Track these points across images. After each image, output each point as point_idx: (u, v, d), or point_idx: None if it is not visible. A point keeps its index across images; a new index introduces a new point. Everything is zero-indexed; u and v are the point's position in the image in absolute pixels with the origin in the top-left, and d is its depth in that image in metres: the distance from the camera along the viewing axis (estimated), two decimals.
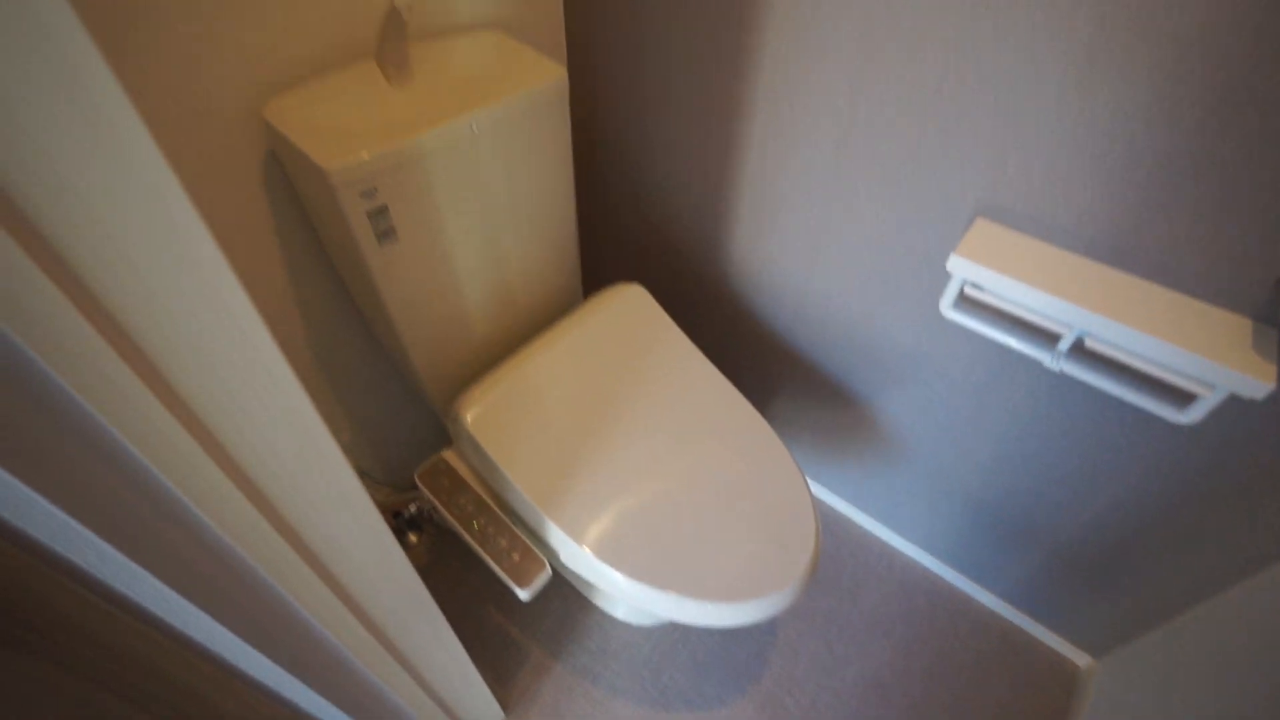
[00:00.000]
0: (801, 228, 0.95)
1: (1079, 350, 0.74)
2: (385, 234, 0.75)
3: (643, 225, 1.19)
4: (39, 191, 0.24)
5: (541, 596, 1.17)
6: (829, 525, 1.30)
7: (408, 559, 0.61)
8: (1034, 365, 0.83)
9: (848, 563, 1.25)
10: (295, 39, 0.74)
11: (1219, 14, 0.53)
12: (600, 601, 1.15)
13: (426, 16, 0.85)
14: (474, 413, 0.85)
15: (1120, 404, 0.78)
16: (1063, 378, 0.81)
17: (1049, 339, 0.75)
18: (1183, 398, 0.69)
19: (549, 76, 0.83)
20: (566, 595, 1.18)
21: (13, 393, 0.27)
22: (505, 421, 0.86)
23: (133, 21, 0.60)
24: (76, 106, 0.24)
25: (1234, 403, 0.68)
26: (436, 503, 0.88)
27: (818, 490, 1.33)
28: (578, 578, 1.15)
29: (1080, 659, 1.10)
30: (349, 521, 0.49)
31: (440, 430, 1.25)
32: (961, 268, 0.73)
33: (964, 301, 0.80)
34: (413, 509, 1.15)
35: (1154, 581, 0.91)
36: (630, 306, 1.01)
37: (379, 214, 0.73)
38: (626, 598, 0.78)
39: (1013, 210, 0.74)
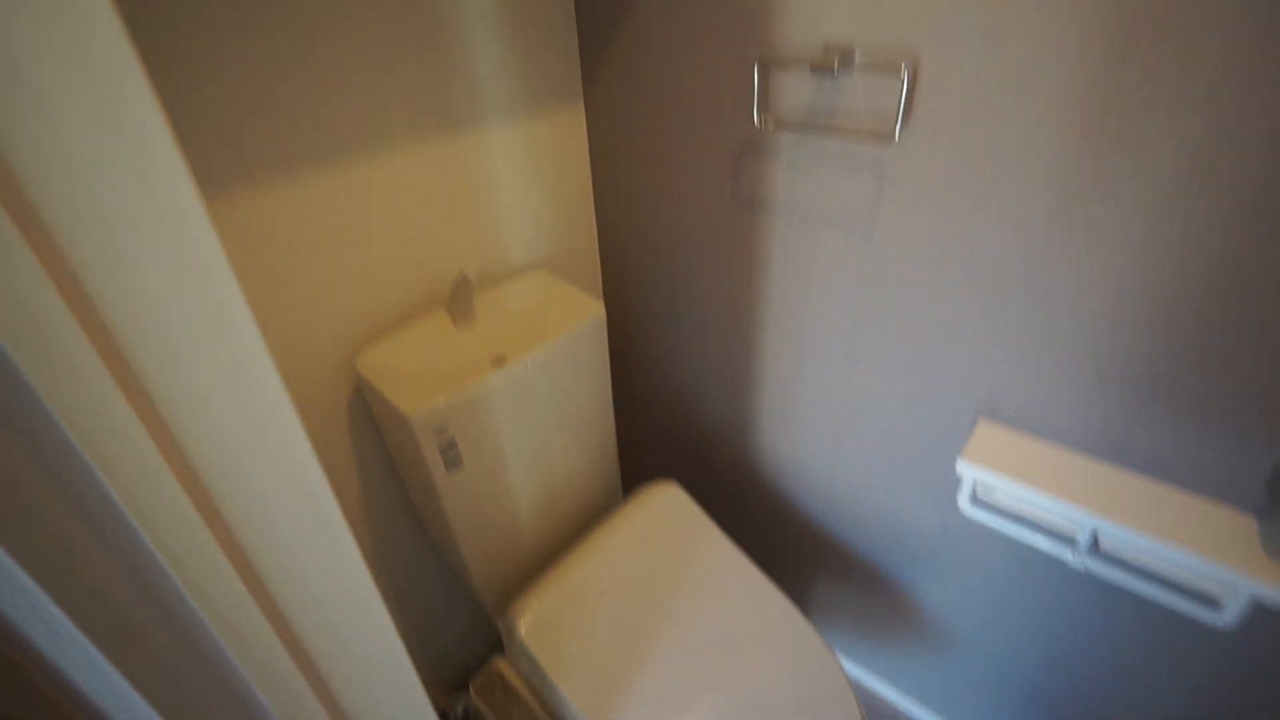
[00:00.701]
0: (822, 425, 1.04)
1: (1098, 550, 0.77)
2: (453, 462, 0.86)
3: (675, 423, 1.30)
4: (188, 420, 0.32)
5: None
6: (876, 714, 1.24)
7: None
8: (1062, 561, 0.85)
9: None
10: (382, 304, 0.91)
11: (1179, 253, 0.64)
12: None
13: (488, 267, 1.03)
14: (526, 622, 0.90)
15: (1159, 604, 0.79)
16: (1092, 575, 0.83)
17: (1067, 538, 0.79)
18: (1213, 600, 0.70)
19: (590, 313, 0.97)
20: None
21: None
22: (556, 631, 0.91)
23: (266, 290, 0.78)
24: (232, 369, 0.33)
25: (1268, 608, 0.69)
26: (492, 717, 0.91)
27: (867, 678, 1.29)
28: None
29: None
30: None
31: (484, 630, 1.29)
32: (970, 471, 0.79)
33: (979, 499, 0.84)
34: (460, 710, 1.16)
35: None
36: (668, 506, 1.08)
37: (449, 446, 0.85)
38: None
39: (1012, 412, 0.82)
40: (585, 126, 1.09)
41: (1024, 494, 0.76)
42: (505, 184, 1.00)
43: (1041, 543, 0.79)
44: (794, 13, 0.77)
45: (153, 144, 0.26)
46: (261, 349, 0.33)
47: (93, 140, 0.25)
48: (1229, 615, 0.68)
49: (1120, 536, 0.71)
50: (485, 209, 0.99)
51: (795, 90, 0.81)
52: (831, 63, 0.74)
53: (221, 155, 0.70)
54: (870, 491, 1.03)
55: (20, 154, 0.23)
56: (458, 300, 0.93)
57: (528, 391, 0.92)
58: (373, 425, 0.97)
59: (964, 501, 0.84)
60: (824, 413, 1.02)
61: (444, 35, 0.84)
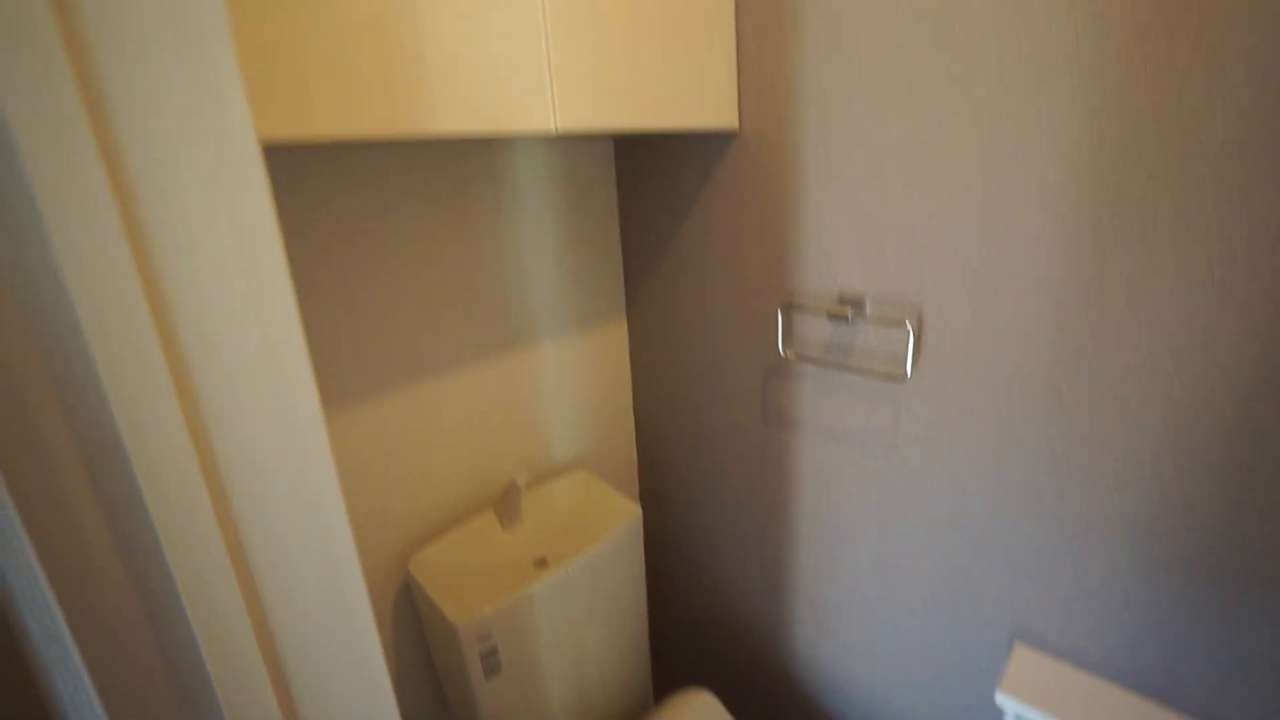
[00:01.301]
0: (858, 635, 1.03)
1: None
2: (492, 669, 0.88)
3: (709, 625, 1.30)
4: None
5: None
6: None
7: None
8: None
9: None
10: (437, 506, 0.99)
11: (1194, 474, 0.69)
12: None
13: (535, 466, 1.12)
14: None
15: None
16: None
17: None
18: None
19: (628, 515, 1.03)
20: None
21: None
22: None
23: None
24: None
25: None
26: None
27: None
28: None
29: None
30: None
31: None
32: (1011, 705, 0.78)
33: None
34: None
35: None
36: (701, 717, 1.05)
37: (490, 653, 0.87)
38: None
39: (1050, 637, 0.82)
40: (627, 341, 1.24)
41: None
42: (554, 392, 1.12)
43: None
44: (813, 267, 0.91)
45: (294, 362, 0.34)
46: (348, 538, 0.39)
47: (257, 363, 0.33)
48: None
49: None
50: (536, 415, 1.10)
51: (815, 330, 0.93)
52: (846, 312, 0.87)
53: (330, 374, 0.83)
54: (909, 708, 1.00)
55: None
56: (507, 504, 1.01)
57: (567, 594, 0.95)
58: (414, 619, 1.00)
59: None
60: (859, 622, 1.02)
61: (510, 271, 1.01)
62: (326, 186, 0.78)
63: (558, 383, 1.12)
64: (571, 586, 0.96)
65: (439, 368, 0.95)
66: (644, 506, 1.32)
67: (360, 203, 0.82)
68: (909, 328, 0.82)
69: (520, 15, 0.60)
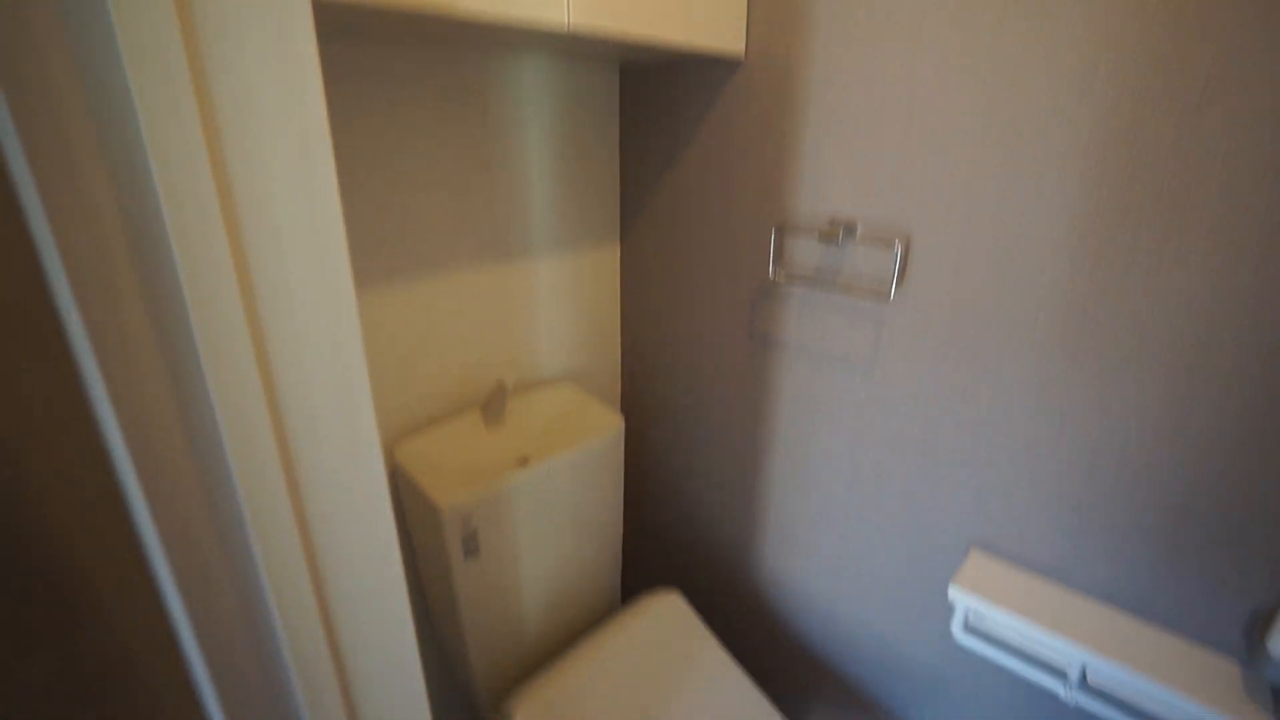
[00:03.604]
0: (824, 550, 1.09)
1: (1088, 685, 0.80)
2: (471, 551, 0.91)
3: (682, 536, 1.34)
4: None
5: None
6: None
7: None
8: (1053, 696, 0.87)
9: None
10: (424, 402, 1.01)
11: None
12: None
13: (521, 373, 1.14)
14: (524, 714, 0.90)
15: None
16: (1082, 711, 0.84)
17: (1058, 671, 0.82)
18: None
19: (610, 426, 1.06)
20: None
21: None
22: None
23: None
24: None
25: None
26: None
27: None
28: None
29: None
30: None
31: None
32: (961, 597, 0.84)
33: (972, 627, 0.88)
34: None
35: None
36: (669, 615, 1.10)
37: (470, 537, 0.90)
38: None
39: (1003, 545, 0.88)
40: (619, 262, 1.25)
41: (1015, 624, 0.80)
42: (544, 306, 1.14)
43: (1033, 674, 0.82)
44: (806, 191, 0.94)
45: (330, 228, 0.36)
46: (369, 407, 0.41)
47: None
48: None
49: (1110, 673, 0.74)
50: (525, 326, 1.12)
51: (806, 252, 0.96)
52: (837, 233, 0.89)
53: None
54: (869, 617, 1.06)
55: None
56: (493, 404, 1.03)
57: (547, 492, 0.99)
58: (396, 508, 1.02)
59: (957, 629, 0.87)
60: (826, 536, 1.07)
61: (509, 184, 1.02)
62: (333, 71, 0.78)
63: (548, 299, 1.14)
64: (551, 485, 0.99)
65: (434, 267, 0.96)
66: (626, 424, 1.35)
67: (365, 97, 0.82)
68: (897, 248, 0.85)
69: None
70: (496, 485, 0.91)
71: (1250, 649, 0.71)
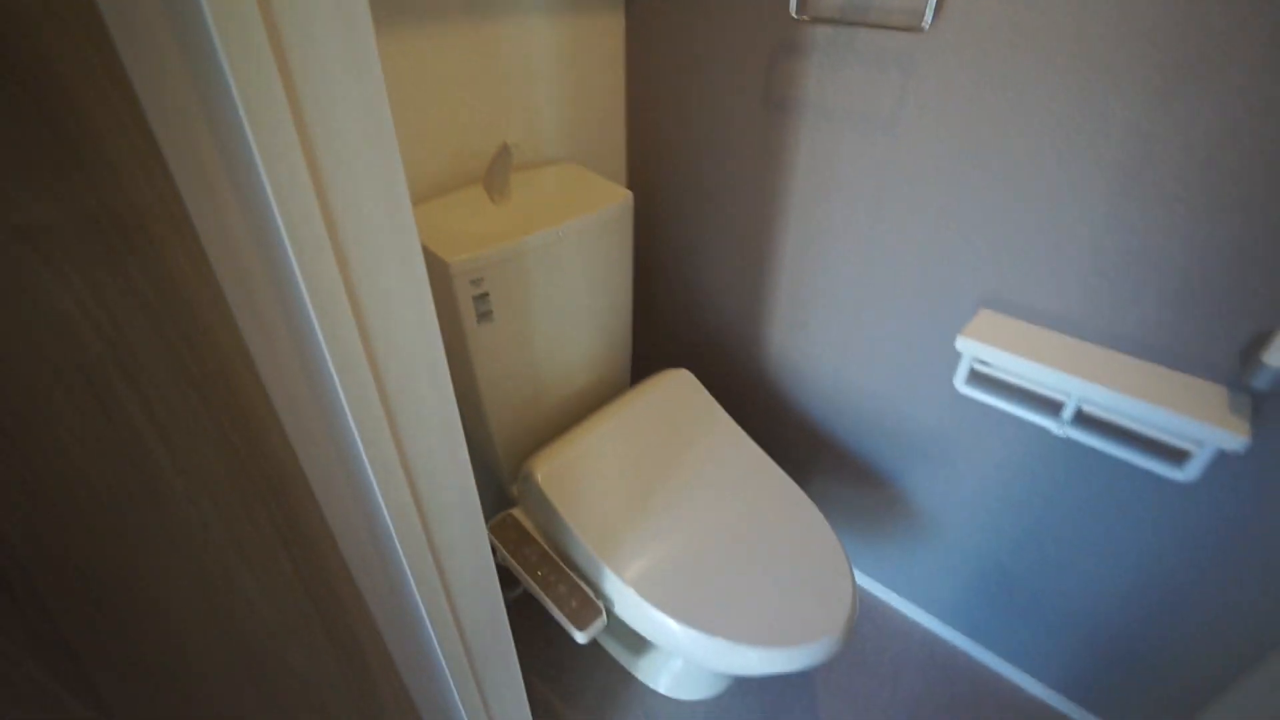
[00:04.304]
0: (832, 323, 1.10)
1: (1081, 418, 0.84)
2: (484, 315, 0.92)
3: (690, 318, 1.36)
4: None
5: (585, 668, 1.20)
6: (870, 611, 1.32)
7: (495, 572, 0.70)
8: (1044, 435, 0.92)
9: (889, 647, 1.25)
10: (423, 172, 0.96)
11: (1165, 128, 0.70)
12: (643, 675, 1.18)
13: (523, 154, 1.08)
14: (544, 472, 0.97)
15: (1130, 469, 0.86)
16: (1072, 445, 0.90)
17: (1053, 409, 0.85)
18: (1179, 455, 0.77)
19: (620, 198, 1.03)
20: (609, 668, 1.21)
21: None
22: (570, 481, 0.97)
23: None
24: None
25: (1224, 461, 0.77)
26: (505, 551, 0.98)
27: (858, 577, 1.37)
28: (626, 639, 1.19)
29: None
30: (460, 524, 0.60)
31: (491, 500, 1.36)
32: (968, 346, 0.85)
33: (975, 377, 0.91)
34: None
35: (1186, 664, 0.93)
36: (681, 388, 1.14)
37: (481, 299, 0.90)
38: (678, 646, 0.84)
39: (1011, 301, 0.88)
40: (624, 30, 1.13)
41: (1017, 366, 0.83)
42: (543, 75, 1.04)
43: (1028, 415, 0.86)
44: None
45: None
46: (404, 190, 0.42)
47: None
48: (1192, 470, 0.75)
49: (1103, 400, 0.78)
50: (524, 95, 1.04)
51: None
52: None
53: None
54: (874, 388, 1.10)
55: None
56: (497, 171, 0.98)
57: (557, 258, 0.98)
58: None
59: (960, 381, 0.91)
60: (836, 315, 1.08)
61: None
62: None
63: (547, 65, 1.04)
64: (562, 250, 0.97)
65: (421, 18, 0.86)
66: (633, 204, 1.31)
67: None
68: None
69: None
70: (504, 248, 0.90)
71: (1245, 365, 0.73)
